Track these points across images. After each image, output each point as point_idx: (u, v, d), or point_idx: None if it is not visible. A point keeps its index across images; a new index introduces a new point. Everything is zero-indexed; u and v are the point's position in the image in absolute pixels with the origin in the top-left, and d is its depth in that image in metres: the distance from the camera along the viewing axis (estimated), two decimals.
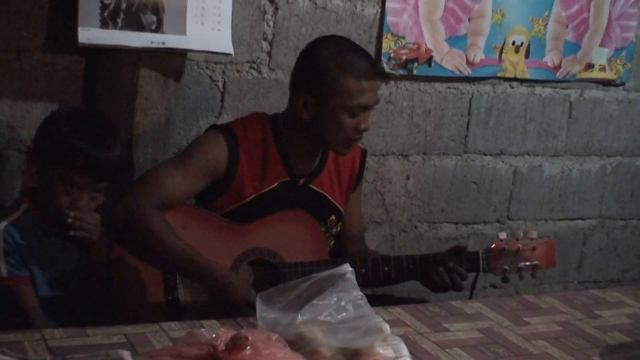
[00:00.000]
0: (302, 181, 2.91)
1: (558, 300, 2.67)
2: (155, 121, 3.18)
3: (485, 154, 4.03)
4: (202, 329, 1.81)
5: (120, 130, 2.83)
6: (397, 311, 2.42)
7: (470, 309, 2.52)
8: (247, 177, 2.81)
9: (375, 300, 2.84)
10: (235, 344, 1.71)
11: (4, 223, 2.64)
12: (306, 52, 2.88)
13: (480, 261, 2.82)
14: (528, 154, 4.13)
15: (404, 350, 2.00)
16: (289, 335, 1.98)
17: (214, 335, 1.75)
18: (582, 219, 4.37)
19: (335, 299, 2.05)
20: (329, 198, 2.97)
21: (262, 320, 2.04)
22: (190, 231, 2.71)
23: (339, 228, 3.03)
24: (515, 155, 4.11)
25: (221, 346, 1.72)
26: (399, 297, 3.12)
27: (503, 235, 2.83)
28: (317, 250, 2.84)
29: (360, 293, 2.09)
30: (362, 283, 2.78)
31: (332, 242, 3.03)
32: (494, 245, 2.83)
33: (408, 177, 3.89)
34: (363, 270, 2.77)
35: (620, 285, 4.43)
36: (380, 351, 1.96)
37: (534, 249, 2.82)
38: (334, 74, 2.72)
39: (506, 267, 2.82)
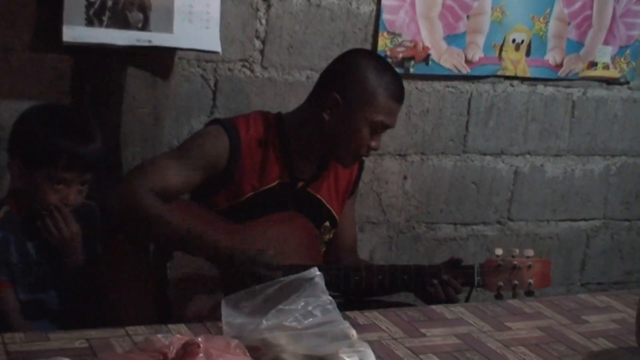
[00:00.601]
0: (300, 184, 2.87)
1: (544, 305, 2.61)
2: (144, 120, 3.15)
3: (485, 154, 3.97)
4: (159, 335, 1.77)
5: (95, 119, 2.80)
6: (374, 315, 2.37)
7: (450, 313, 2.46)
8: (247, 175, 2.78)
9: (361, 305, 2.83)
10: (186, 351, 1.67)
11: None
12: (347, 57, 2.89)
13: (475, 276, 2.77)
14: (529, 154, 4.06)
15: (371, 357, 1.95)
16: (253, 341, 1.94)
17: (166, 342, 1.70)
18: (585, 220, 4.30)
19: (302, 303, 2.00)
20: (325, 204, 2.94)
21: (228, 325, 2.00)
22: None
23: (331, 235, 2.99)
24: (517, 155, 4.04)
25: (172, 353, 1.68)
26: (389, 302, 3.06)
27: (499, 252, 2.80)
28: (311, 254, 2.80)
29: (330, 298, 2.04)
30: (355, 291, 2.77)
31: (324, 249, 2.99)
32: (489, 261, 2.78)
33: (405, 177, 3.84)
34: (357, 278, 2.73)
35: (626, 287, 4.35)
36: (345, 358, 1.91)
37: (529, 267, 2.78)
38: (372, 86, 2.74)
39: (501, 283, 2.77)
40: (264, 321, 1.96)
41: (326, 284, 2.60)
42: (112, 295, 2.65)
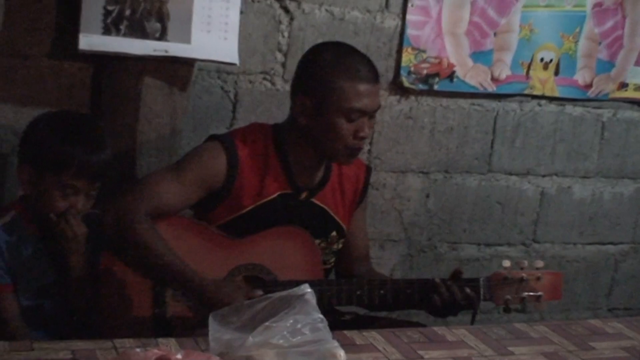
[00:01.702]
0: (304, 195, 2.83)
1: (551, 329, 2.53)
2: (160, 130, 3.14)
3: (511, 174, 3.91)
4: (137, 349, 1.74)
5: (106, 128, 2.80)
6: (372, 335, 2.32)
7: (452, 335, 2.40)
8: (246, 188, 2.74)
9: (369, 322, 2.78)
10: None
11: None
12: (305, 56, 2.83)
13: (482, 289, 2.71)
14: (557, 175, 3.99)
15: None
16: (238, 357, 1.90)
17: (141, 356, 1.67)
18: (614, 243, 4.21)
19: (291, 321, 1.96)
20: (331, 214, 2.89)
21: (215, 341, 1.96)
22: (183, 243, 2.64)
23: (340, 245, 2.94)
24: (543, 176, 3.97)
25: None
26: (399, 320, 3.01)
27: (507, 264, 2.72)
28: (311, 270, 2.75)
29: (321, 316, 1.99)
30: (358, 305, 2.73)
31: (333, 259, 2.95)
32: (496, 274, 2.72)
33: (428, 196, 3.78)
34: (359, 293, 2.69)
35: None
36: None
37: (538, 279, 2.70)
38: (330, 75, 2.66)
39: (508, 297, 2.70)
40: (250, 338, 1.92)
41: (327, 299, 2.62)
42: (109, 307, 2.62)
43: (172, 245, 2.58)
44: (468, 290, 2.66)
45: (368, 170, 3.01)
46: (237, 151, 2.73)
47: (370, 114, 2.71)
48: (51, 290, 2.66)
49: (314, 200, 2.85)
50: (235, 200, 2.74)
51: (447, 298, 2.65)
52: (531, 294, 2.70)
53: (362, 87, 2.67)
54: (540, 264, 2.73)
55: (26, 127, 2.69)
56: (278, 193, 2.78)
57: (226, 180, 2.72)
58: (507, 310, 2.72)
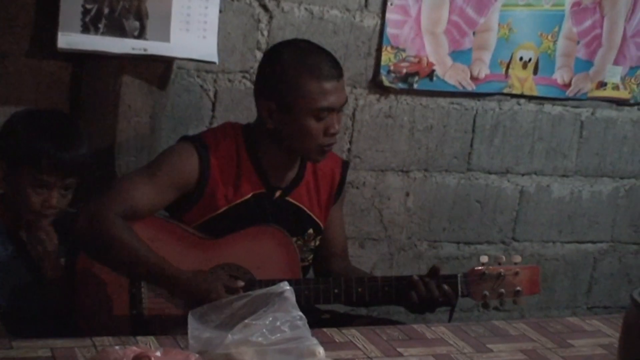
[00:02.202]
0: (278, 193, 2.82)
1: (530, 327, 2.54)
2: (139, 129, 3.13)
3: (490, 173, 3.91)
4: (116, 347, 1.74)
5: (83, 127, 2.79)
6: (351, 333, 2.32)
7: (431, 333, 2.41)
8: (219, 189, 2.73)
9: (348, 320, 2.79)
10: None
11: None
12: (265, 57, 2.81)
13: (459, 285, 2.71)
14: (536, 173, 4.01)
15: None
16: (217, 355, 1.90)
17: (120, 354, 1.67)
18: (593, 242, 4.22)
19: (270, 318, 1.96)
20: (307, 211, 2.88)
21: (194, 339, 1.96)
22: (159, 244, 2.63)
23: (317, 242, 2.94)
24: (522, 175, 3.98)
25: None
26: (378, 318, 3.01)
27: (485, 259, 2.72)
28: (288, 268, 2.75)
29: (300, 313, 1.99)
30: (336, 302, 2.73)
31: (311, 256, 2.94)
32: (473, 270, 2.72)
33: (408, 194, 3.79)
34: (336, 291, 2.69)
35: None
36: None
37: (516, 274, 2.71)
38: (293, 77, 2.64)
39: (486, 292, 2.70)
40: (229, 336, 1.92)
41: (305, 298, 2.62)
42: (87, 307, 2.62)
43: (146, 243, 2.58)
44: (446, 287, 2.67)
45: (345, 165, 3.00)
46: (208, 152, 2.73)
47: (338, 110, 2.70)
48: (27, 291, 2.64)
49: (288, 198, 2.85)
50: (209, 201, 2.73)
51: (424, 295, 2.65)
52: (509, 289, 2.70)
53: (328, 85, 2.65)
54: (517, 259, 2.73)
55: (2, 125, 2.68)
56: (251, 193, 2.77)
57: (198, 181, 2.71)
58: (485, 306, 2.72)
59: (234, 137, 2.79)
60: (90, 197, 2.65)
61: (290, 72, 2.65)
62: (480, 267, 2.71)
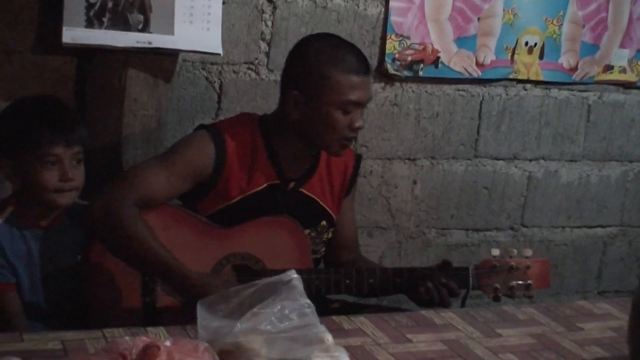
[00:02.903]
0: (292, 184, 2.83)
1: (539, 311, 2.54)
2: (145, 122, 3.14)
3: (497, 159, 3.91)
4: (126, 337, 1.74)
5: (89, 121, 2.86)
6: (360, 320, 2.32)
7: (440, 319, 2.41)
8: (234, 179, 2.73)
9: (358, 309, 2.79)
10: (146, 353, 1.64)
11: None
12: (295, 50, 2.81)
13: (470, 278, 2.71)
14: (543, 158, 4.00)
15: None
16: (227, 344, 1.90)
17: (130, 344, 1.67)
18: (602, 226, 4.22)
19: (278, 307, 1.95)
20: (320, 203, 2.88)
21: (203, 328, 1.96)
22: (171, 233, 2.64)
23: (330, 234, 2.95)
24: (530, 160, 3.98)
25: (132, 355, 1.65)
26: (388, 307, 3.02)
27: (496, 252, 2.73)
28: (300, 259, 2.75)
29: (308, 301, 1.99)
30: (347, 294, 2.73)
31: (323, 248, 2.95)
32: (485, 262, 2.73)
33: (415, 182, 3.79)
34: (347, 282, 2.69)
35: None
36: None
37: (527, 267, 2.72)
38: (323, 69, 2.65)
39: (497, 285, 2.71)
40: (238, 324, 1.91)
41: (316, 288, 2.62)
42: (99, 298, 2.63)
43: (161, 235, 2.58)
44: (455, 287, 2.67)
45: (357, 158, 3.01)
46: (224, 142, 2.72)
47: (364, 105, 2.72)
48: (60, 282, 2.66)
49: (302, 190, 2.85)
50: (223, 190, 2.74)
51: (435, 297, 2.66)
52: (520, 282, 2.71)
53: (357, 79, 2.66)
54: (528, 252, 2.74)
55: None
56: (266, 184, 2.78)
57: (214, 170, 2.71)
58: (496, 298, 2.73)
59: (250, 128, 2.79)
60: (105, 185, 2.65)
61: (321, 64, 2.65)
62: (491, 260, 2.71)
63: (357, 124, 2.69)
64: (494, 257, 2.71)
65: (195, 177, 2.71)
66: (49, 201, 2.61)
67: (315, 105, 2.67)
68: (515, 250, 2.73)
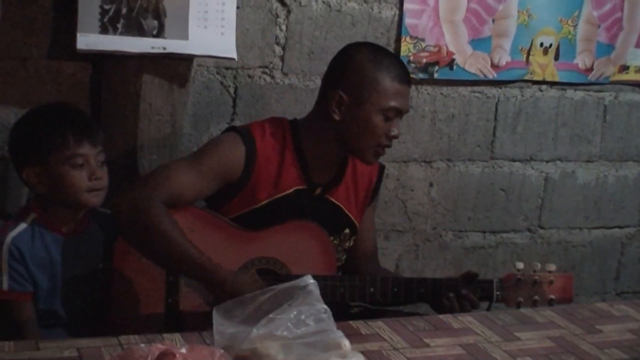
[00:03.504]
0: (318, 190, 2.83)
1: (557, 314, 2.52)
2: (160, 127, 3.14)
3: (513, 160, 3.90)
4: (142, 345, 1.73)
5: (105, 127, 2.86)
6: (378, 325, 2.31)
7: (458, 323, 2.40)
8: (262, 182, 2.74)
9: (378, 314, 2.78)
10: None
11: (11, 236, 2.58)
12: (343, 53, 2.83)
13: (495, 290, 2.71)
14: (560, 160, 3.98)
15: None
16: (243, 350, 1.90)
17: (146, 352, 1.67)
18: (620, 227, 4.20)
19: (295, 312, 1.95)
20: (345, 210, 2.89)
21: (220, 334, 1.95)
22: (197, 234, 2.63)
23: (351, 243, 2.95)
24: (547, 162, 3.96)
25: None
26: (408, 313, 3.01)
27: (520, 265, 2.73)
28: (325, 265, 2.75)
29: (325, 306, 1.98)
30: (370, 302, 2.72)
31: (344, 257, 2.94)
32: (509, 275, 2.73)
33: (431, 184, 3.78)
34: (372, 290, 2.69)
35: None
36: None
37: (551, 282, 2.71)
38: (372, 73, 2.69)
39: (520, 299, 2.71)
40: (254, 330, 1.91)
41: (340, 295, 2.62)
42: (121, 304, 2.63)
43: (188, 235, 2.57)
44: (476, 300, 2.68)
45: (381, 169, 3.02)
46: (255, 144, 2.73)
47: (403, 114, 2.76)
48: (84, 288, 2.66)
49: (327, 196, 2.86)
50: (251, 193, 2.74)
51: (456, 307, 2.66)
52: (543, 296, 2.70)
53: (401, 87, 2.71)
54: (552, 267, 2.74)
55: (10, 134, 2.69)
56: (293, 188, 2.78)
57: (243, 172, 2.72)
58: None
59: (281, 131, 2.80)
60: (132, 183, 2.65)
61: (370, 67, 2.69)
62: (515, 273, 2.71)
63: (394, 132, 2.73)
64: (518, 270, 2.71)
65: (224, 178, 2.71)
66: (81, 202, 2.60)
67: (358, 107, 2.69)
68: (539, 265, 2.73)
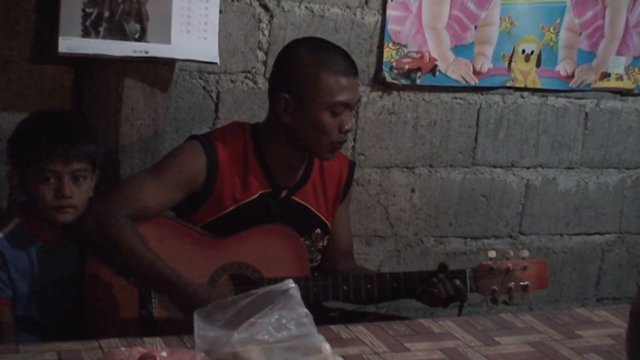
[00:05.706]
0: (284, 193, 2.83)
1: (537, 319, 2.54)
2: (142, 132, 3.13)
3: (495, 167, 3.91)
4: (123, 348, 1.74)
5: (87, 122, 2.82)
6: (358, 329, 2.32)
7: (438, 327, 2.41)
8: (227, 188, 2.74)
9: (357, 318, 2.79)
10: None
11: None
12: (283, 53, 2.82)
13: (468, 280, 2.71)
14: (541, 166, 4.00)
15: None
16: (224, 354, 1.90)
17: (126, 355, 1.67)
18: (600, 233, 4.21)
19: (276, 316, 1.96)
20: (313, 211, 2.88)
21: (201, 338, 1.96)
22: (166, 244, 2.64)
23: (325, 242, 2.94)
24: (528, 168, 3.97)
25: None
26: (387, 315, 3.02)
27: (492, 254, 2.73)
28: (297, 266, 2.75)
29: (305, 310, 1.99)
30: (345, 300, 2.73)
31: (319, 256, 2.94)
32: (482, 265, 2.73)
33: (413, 190, 3.78)
34: (345, 288, 2.69)
35: None
36: None
37: (524, 268, 2.72)
38: (312, 71, 2.66)
39: (495, 287, 2.71)
40: (235, 334, 1.92)
41: (314, 296, 2.62)
42: (96, 310, 2.62)
43: (157, 246, 2.57)
44: (458, 282, 2.67)
45: (351, 165, 3.00)
46: (216, 151, 2.73)
47: (353, 107, 2.72)
48: (61, 295, 2.66)
49: (294, 198, 2.85)
50: (217, 201, 2.74)
51: (438, 292, 2.66)
52: (518, 283, 2.70)
53: (345, 80, 2.68)
54: (525, 253, 2.74)
55: (12, 133, 2.70)
56: (258, 193, 2.78)
57: (206, 180, 2.72)
58: (494, 301, 2.73)
59: (241, 136, 2.79)
60: (97, 197, 2.65)
61: (309, 66, 2.67)
62: (488, 262, 2.71)
63: (347, 126, 2.70)
64: (491, 259, 2.71)
65: (188, 187, 2.70)
66: (47, 217, 2.61)
67: (305, 107, 2.68)
68: (511, 252, 2.74)
